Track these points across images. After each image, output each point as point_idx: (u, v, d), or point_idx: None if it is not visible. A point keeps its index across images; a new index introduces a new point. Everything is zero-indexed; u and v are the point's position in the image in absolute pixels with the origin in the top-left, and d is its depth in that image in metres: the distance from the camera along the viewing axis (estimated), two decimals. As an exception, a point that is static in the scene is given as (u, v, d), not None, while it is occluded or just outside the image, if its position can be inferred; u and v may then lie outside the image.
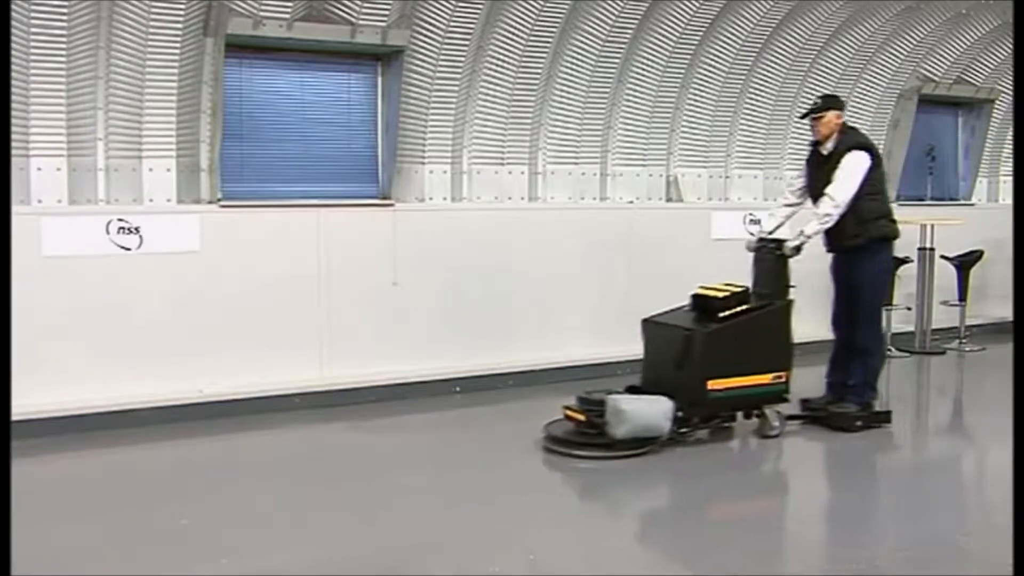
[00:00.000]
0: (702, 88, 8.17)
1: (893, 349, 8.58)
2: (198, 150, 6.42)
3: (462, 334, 7.08)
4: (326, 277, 6.66)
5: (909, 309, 8.76)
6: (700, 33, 7.86)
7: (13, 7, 5.60)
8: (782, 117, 8.65)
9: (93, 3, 5.89)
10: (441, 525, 4.57)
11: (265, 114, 6.78)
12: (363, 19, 6.61)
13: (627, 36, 7.59)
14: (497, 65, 7.24)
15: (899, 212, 8.89)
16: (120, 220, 6.05)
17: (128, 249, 6.07)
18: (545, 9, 7.16)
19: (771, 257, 5.94)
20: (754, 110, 8.50)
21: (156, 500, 4.83)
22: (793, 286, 5.91)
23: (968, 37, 9.15)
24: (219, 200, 6.43)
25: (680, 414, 5.51)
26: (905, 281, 8.70)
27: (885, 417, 6.20)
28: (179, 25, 6.12)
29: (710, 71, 8.12)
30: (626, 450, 5.35)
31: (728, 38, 8.03)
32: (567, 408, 5.67)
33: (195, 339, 6.27)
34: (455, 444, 5.94)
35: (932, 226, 8.69)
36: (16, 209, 5.68)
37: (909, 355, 8.61)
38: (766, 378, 5.76)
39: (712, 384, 5.60)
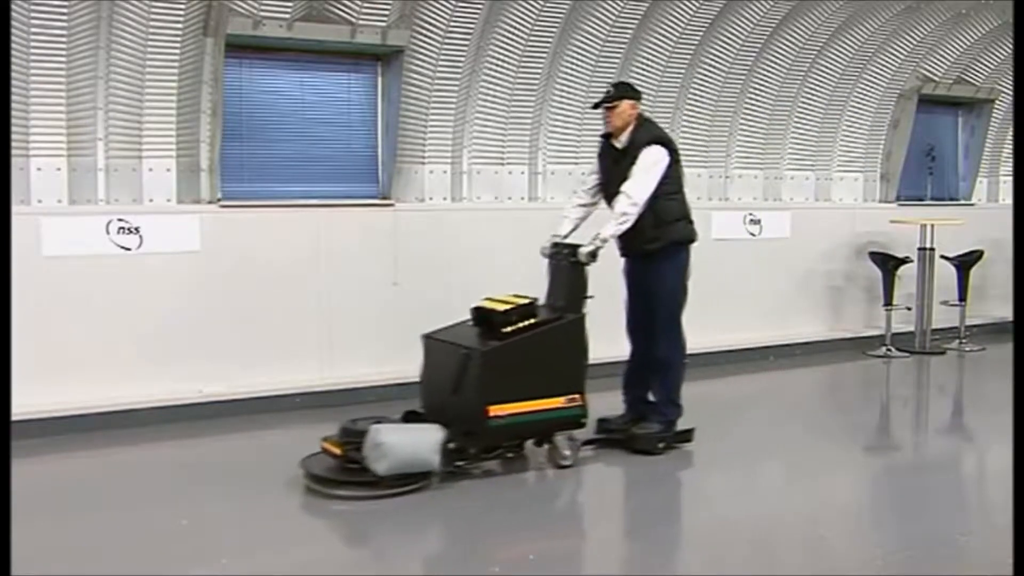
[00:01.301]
0: (702, 88, 8.17)
1: (893, 349, 8.60)
2: (198, 150, 6.42)
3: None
4: (326, 277, 6.66)
5: (909, 309, 8.76)
6: (700, 33, 7.86)
7: (13, 7, 5.60)
8: (782, 117, 8.65)
9: (93, 3, 5.89)
10: (440, 525, 4.57)
11: (265, 114, 6.78)
12: (363, 19, 6.61)
13: (627, 36, 7.59)
14: (497, 65, 7.24)
15: (899, 212, 9.08)
16: (120, 220, 6.05)
17: (128, 249, 6.07)
18: (545, 9, 7.16)
19: (566, 264, 5.32)
20: (754, 110, 8.50)
21: (156, 500, 4.83)
22: (590, 296, 5.29)
23: (968, 37, 9.15)
24: (219, 200, 6.43)
25: (454, 445, 4.86)
26: (905, 281, 8.71)
27: (686, 436, 5.59)
28: (179, 25, 6.12)
29: (710, 71, 8.12)
30: (393, 487, 4.66)
31: (728, 38, 8.04)
32: (325, 440, 4.95)
33: (195, 339, 6.27)
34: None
35: (932, 226, 8.70)
36: (16, 209, 5.68)
37: (909, 355, 8.62)
38: (558, 401, 5.10)
39: (493, 410, 4.91)
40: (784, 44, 8.32)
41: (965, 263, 8.95)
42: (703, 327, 8.00)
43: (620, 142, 5.47)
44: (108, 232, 6.02)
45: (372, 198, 7.05)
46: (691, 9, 7.68)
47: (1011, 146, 10.02)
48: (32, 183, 5.96)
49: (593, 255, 5.21)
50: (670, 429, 5.55)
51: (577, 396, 5.17)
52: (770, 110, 8.57)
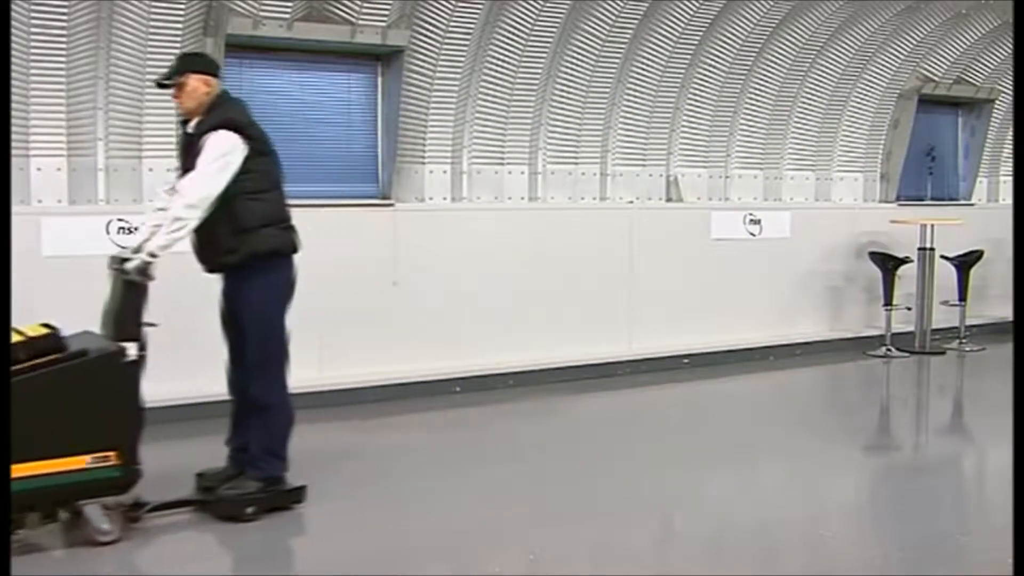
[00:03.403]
0: (702, 88, 8.17)
1: (893, 349, 8.60)
2: (198, 150, 6.41)
3: (462, 334, 7.08)
4: (326, 277, 6.64)
5: (909, 309, 8.76)
6: (700, 33, 7.86)
7: (13, 7, 5.60)
8: (782, 117, 8.66)
9: (93, 3, 5.89)
10: (440, 525, 4.57)
11: (265, 114, 6.72)
12: (363, 19, 6.61)
13: (627, 36, 7.59)
14: (497, 65, 7.24)
15: (899, 212, 9.09)
16: (120, 220, 6.05)
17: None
18: (545, 9, 7.16)
19: (120, 282, 4.29)
20: (754, 110, 8.50)
21: (154, 500, 4.79)
22: (152, 324, 4.31)
23: (968, 37, 9.15)
24: (219, 200, 6.42)
25: None
26: (905, 281, 8.72)
27: (295, 496, 4.56)
28: (179, 25, 6.12)
29: (710, 71, 8.12)
30: None
31: (728, 38, 8.04)
32: None
33: (194, 339, 6.23)
34: (455, 444, 5.95)
35: (932, 226, 8.70)
36: (16, 209, 5.67)
37: (909, 355, 8.62)
38: (80, 461, 4.02)
39: None
40: (784, 44, 8.32)
41: (965, 263, 8.95)
42: (704, 327, 8.08)
43: (192, 127, 4.47)
44: (108, 232, 6.01)
45: (372, 198, 7.05)
46: (691, 9, 7.68)
47: (1011, 146, 10.03)
48: (32, 183, 5.96)
49: (142, 272, 4.22)
50: (271, 487, 4.50)
51: (111, 453, 4.10)
52: (770, 110, 8.57)
